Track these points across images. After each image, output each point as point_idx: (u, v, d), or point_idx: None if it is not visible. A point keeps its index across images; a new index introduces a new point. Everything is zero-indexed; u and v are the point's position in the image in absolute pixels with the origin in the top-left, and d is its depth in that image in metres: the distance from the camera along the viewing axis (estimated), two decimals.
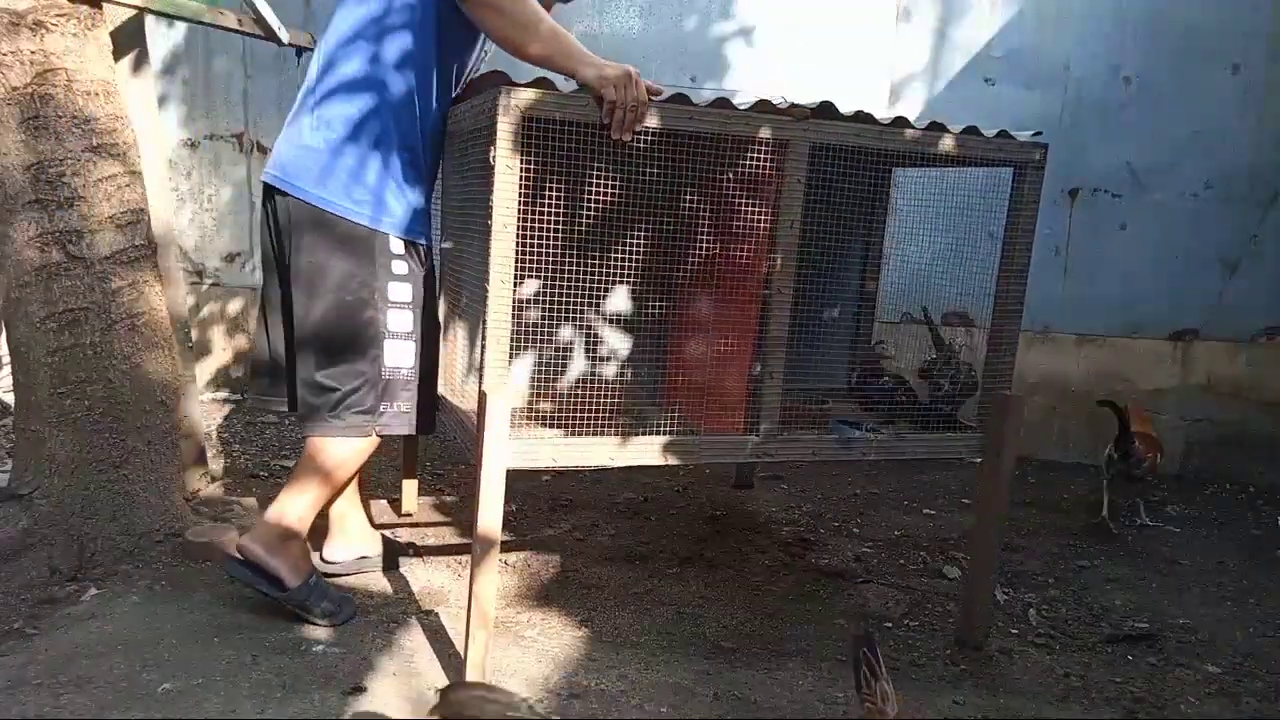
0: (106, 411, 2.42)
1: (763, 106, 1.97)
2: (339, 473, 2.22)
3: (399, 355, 2.18)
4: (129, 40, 2.68)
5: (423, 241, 2.22)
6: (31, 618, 2.15)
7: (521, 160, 1.79)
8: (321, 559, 2.44)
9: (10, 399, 2.71)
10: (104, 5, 2.44)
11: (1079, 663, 2.29)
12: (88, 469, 2.40)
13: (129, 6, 2.58)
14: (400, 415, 2.21)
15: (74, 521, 2.38)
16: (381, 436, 2.22)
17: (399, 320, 2.17)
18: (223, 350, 4.53)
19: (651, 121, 1.86)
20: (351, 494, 2.47)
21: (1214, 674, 2.27)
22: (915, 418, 2.36)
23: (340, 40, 2.10)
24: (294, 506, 2.19)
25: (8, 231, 2.34)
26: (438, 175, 2.33)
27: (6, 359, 3.11)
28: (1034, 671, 2.22)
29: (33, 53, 2.27)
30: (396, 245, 2.14)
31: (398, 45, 2.08)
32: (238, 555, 2.18)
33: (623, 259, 2.11)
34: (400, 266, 2.15)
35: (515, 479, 3.30)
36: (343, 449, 2.18)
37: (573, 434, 2.00)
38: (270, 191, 2.18)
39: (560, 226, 1.99)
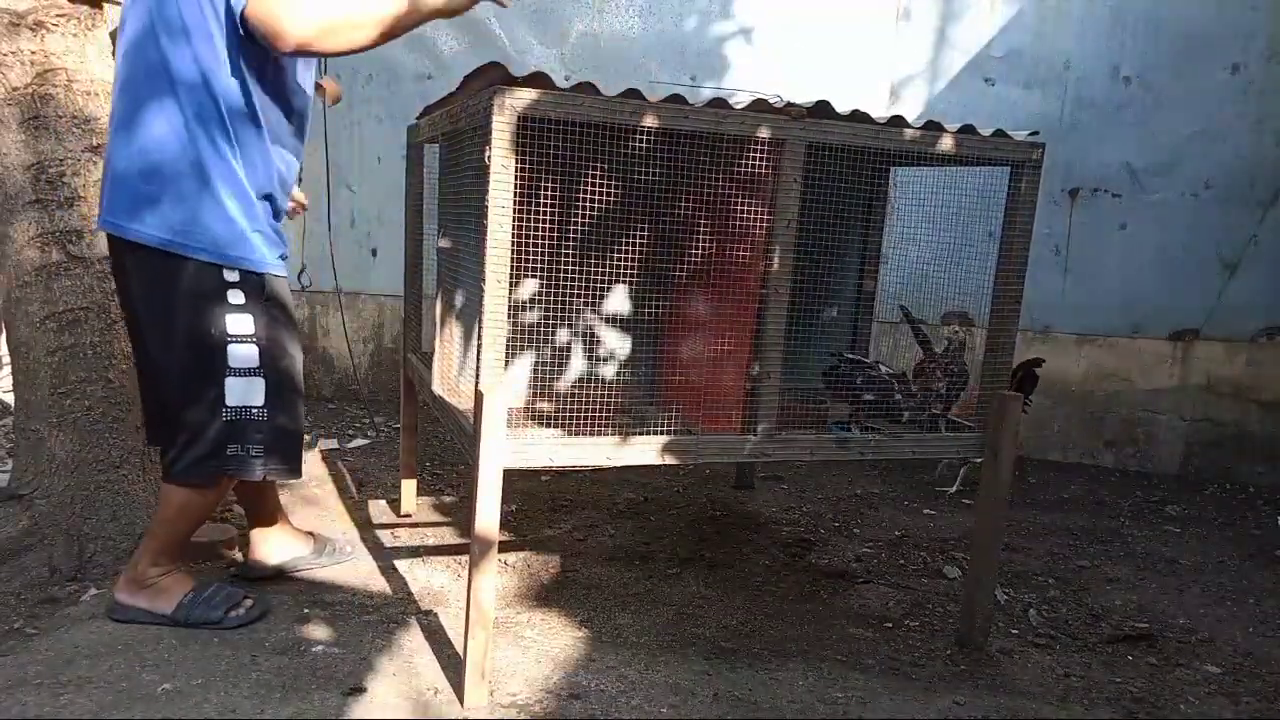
0: (106, 411, 2.42)
1: (759, 106, 1.97)
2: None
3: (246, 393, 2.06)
4: None
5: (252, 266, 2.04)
6: (31, 618, 2.15)
7: (517, 160, 1.79)
8: (249, 563, 2.43)
9: (10, 399, 2.71)
10: (104, 5, 2.44)
11: (1079, 663, 2.28)
12: (88, 469, 2.41)
13: None
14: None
15: (74, 521, 2.39)
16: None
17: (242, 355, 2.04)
18: None
19: (649, 121, 1.86)
20: (268, 515, 2.42)
21: (1214, 674, 2.27)
22: (911, 415, 2.36)
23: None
24: (149, 551, 2.14)
25: (8, 231, 2.34)
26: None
27: (6, 359, 3.11)
28: (1034, 671, 2.22)
29: (33, 53, 2.27)
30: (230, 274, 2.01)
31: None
32: (115, 604, 2.15)
33: (620, 258, 2.11)
34: (237, 296, 2.02)
35: (514, 479, 3.32)
36: None
37: (571, 434, 2.00)
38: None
39: (556, 226, 1.99)
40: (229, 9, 1.89)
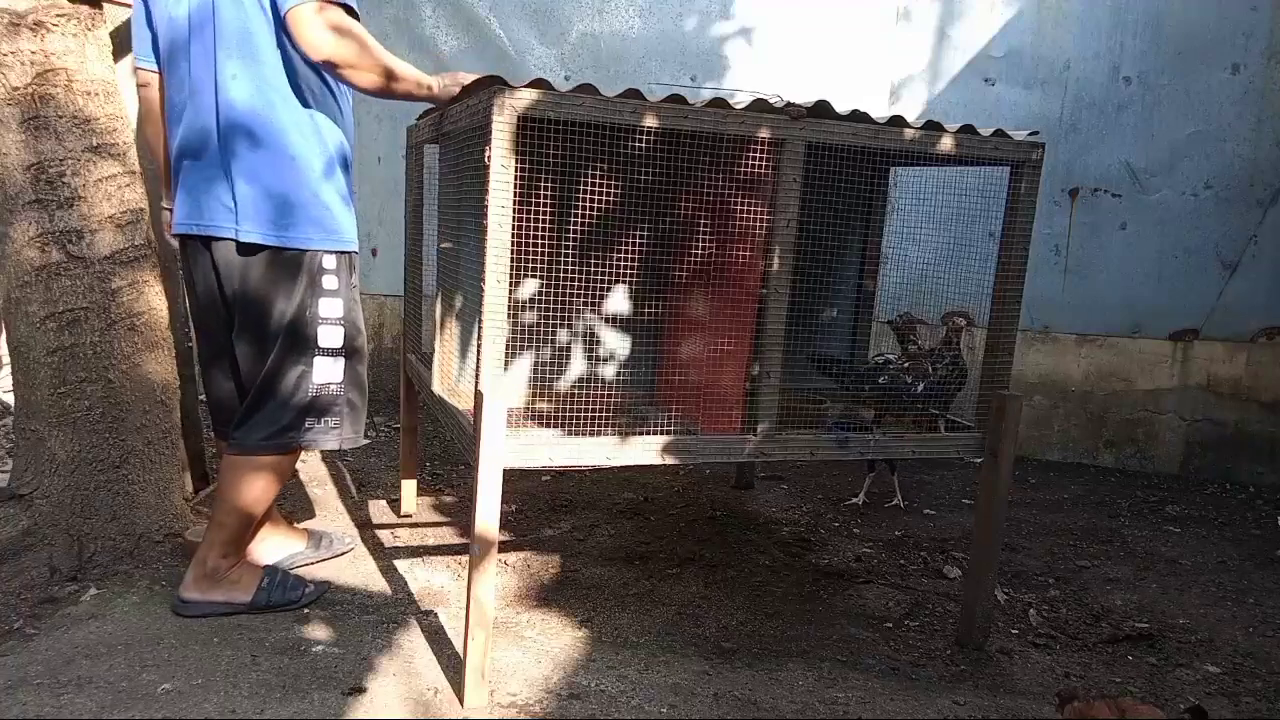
0: (106, 411, 2.42)
1: (759, 106, 1.97)
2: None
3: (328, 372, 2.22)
4: (129, 40, 2.68)
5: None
6: (31, 618, 2.15)
7: (517, 160, 1.79)
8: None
9: (10, 399, 2.71)
10: (104, 5, 2.44)
11: (1079, 663, 2.28)
12: (88, 469, 2.41)
13: (129, 6, 2.58)
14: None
15: (74, 521, 2.39)
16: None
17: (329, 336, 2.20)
18: None
19: (649, 121, 1.86)
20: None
21: (1214, 674, 2.27)
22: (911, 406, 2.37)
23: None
24: (218, 544, 2.22)
25: (8, 231, 2.34)
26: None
27: (6, 359, 3.11)
28: (1034, 671, 2.22)
29: (33, 53, 2.27)
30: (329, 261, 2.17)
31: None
32: (183, 602, 2.20)
33: (620, 259, 2.11)
34: (330, 281, 2.17)
35: (515, 479, 3.32)
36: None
37: (570, 433, 2.00)
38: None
39: (556, 226, 1.99)
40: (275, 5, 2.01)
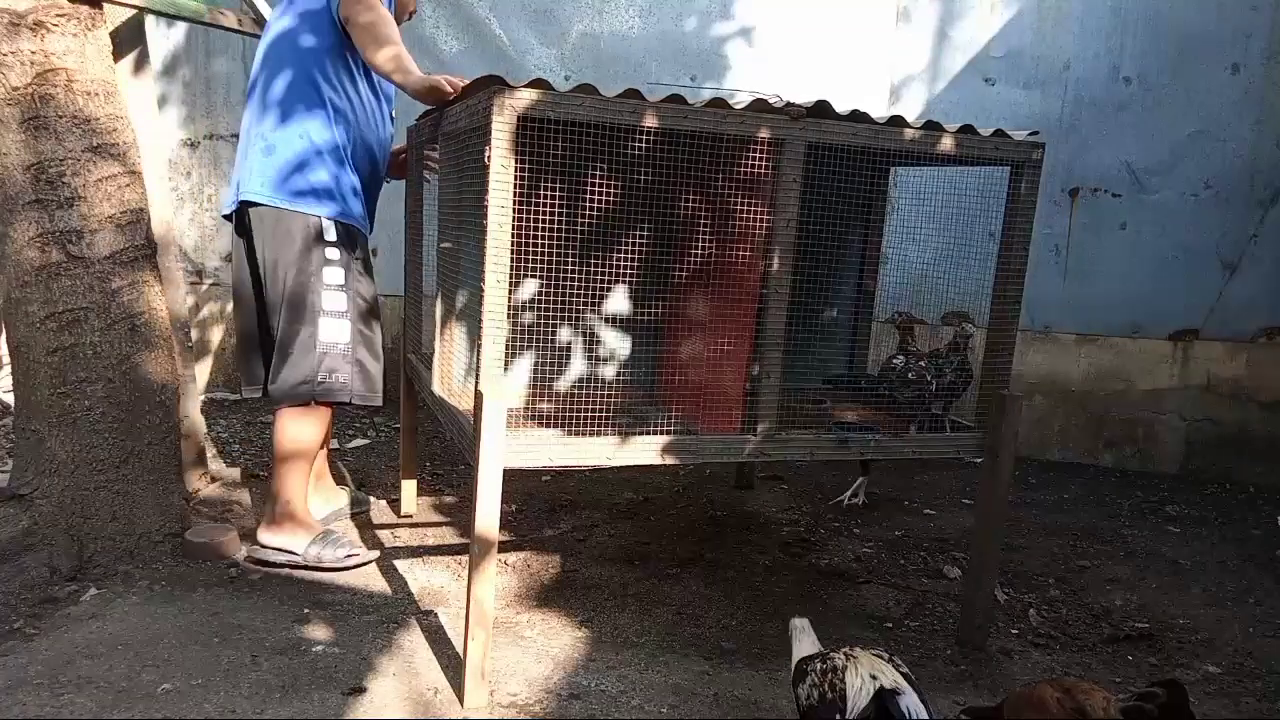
0: (106, 411, 2.42)
1: (759, 106, 1.97)
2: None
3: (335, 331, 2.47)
4: (129, 40, 2.69)
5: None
6: (31, 618, 2.15)
7: (517, 160, 1.79)
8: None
9: (10, 399, 2.71)
10: (104, 5, 2.44)
11: (1079, 663, 2.28)
12: (88, 469, 2.41)
13: (129, 6, 2.58)
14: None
15: (74, 521, 2.39)
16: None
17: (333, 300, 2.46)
18: (223, 350, 4.54)
19: (649, 121, 1.86)
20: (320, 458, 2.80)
21: (1214, 674, 2.27)
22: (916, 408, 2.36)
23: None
24: (279, 492, 2.53)
25: (8, 231, 2.34)
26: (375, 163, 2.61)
27: (6, 359, 3.11)
28: (1034, 671, 2.22)
29: (33, 53, 2.27)
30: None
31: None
32: (257, 545, 2.53)
33: (620, 259, 2.11)
34: (333, 251, 2.44)
35: (515, 479, 3.31)
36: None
37: (571, 434, 2.00)
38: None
39: (556, 226, 1.99)
40: None
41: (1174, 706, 1.47)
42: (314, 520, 2.60)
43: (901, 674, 1.61)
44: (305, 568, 2.50)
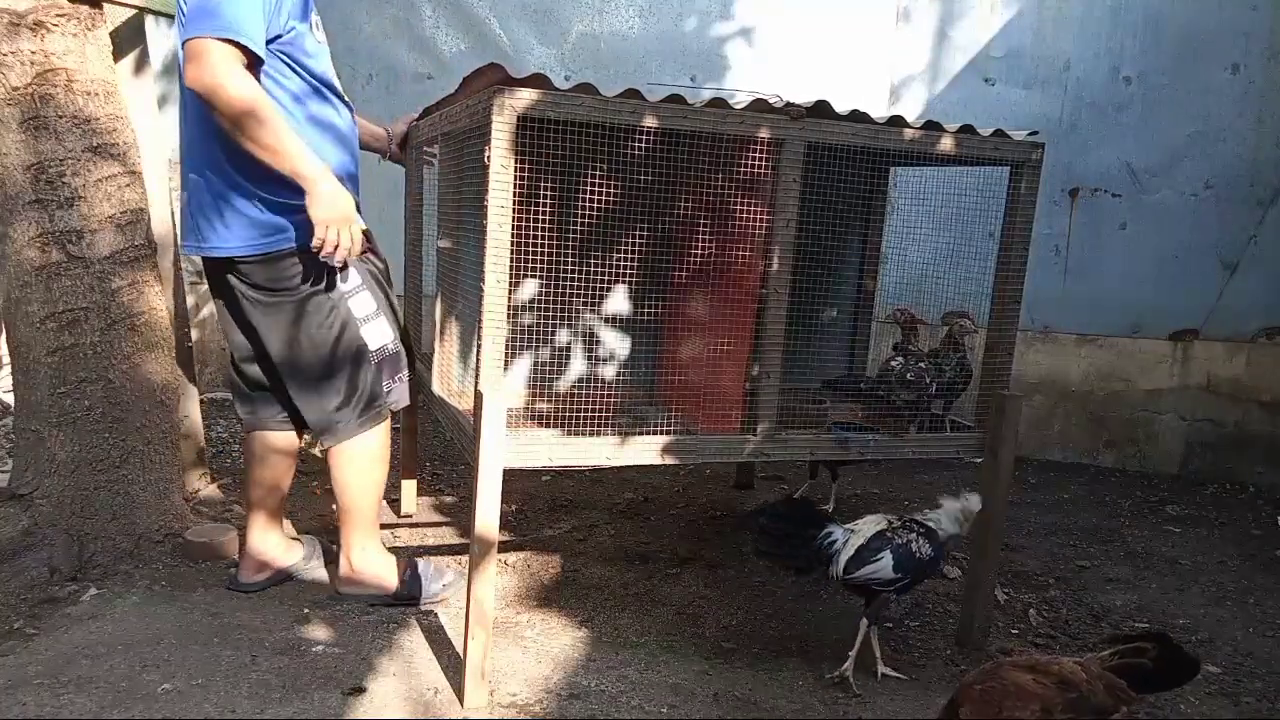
0: (106, 412, 2.42)
1: (759, 106, 1.97)
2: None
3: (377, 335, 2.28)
4: (129, 40, 2.69)
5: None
6: (31, 618, 2.15)
7: (517, 160, 1.79)
8: (240, 582, 2.37)
9: (10, 399, 2.71)
10: (104, 5, 2.44)
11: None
12: (88, 469, 2.41)
13: (129, 6, 2.58)
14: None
15: (74, 521, 2.38)
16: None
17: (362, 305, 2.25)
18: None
19: (649, 121, 1.86)
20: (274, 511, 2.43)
21: (1214, 674, 2.27)
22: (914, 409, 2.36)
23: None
24: (353, 543, 2.31)
25: (8, 231, 2.34)
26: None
27: (6, 359, 3.11)
28: None
29: (33, 53, 2.27)
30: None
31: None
32: (340, 592, 2.34)
33: (620, 259, 2.11)
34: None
35: (515, 479, 3.31)
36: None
37: (570, 434, 2.00)
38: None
39: (556, 226, 1.99)
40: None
41: (1167, 658, 1.57)
42: (389, 561, 2.36)
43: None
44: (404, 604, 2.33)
